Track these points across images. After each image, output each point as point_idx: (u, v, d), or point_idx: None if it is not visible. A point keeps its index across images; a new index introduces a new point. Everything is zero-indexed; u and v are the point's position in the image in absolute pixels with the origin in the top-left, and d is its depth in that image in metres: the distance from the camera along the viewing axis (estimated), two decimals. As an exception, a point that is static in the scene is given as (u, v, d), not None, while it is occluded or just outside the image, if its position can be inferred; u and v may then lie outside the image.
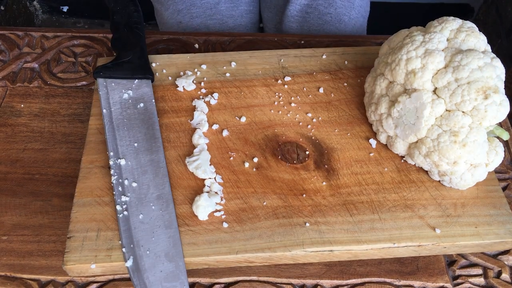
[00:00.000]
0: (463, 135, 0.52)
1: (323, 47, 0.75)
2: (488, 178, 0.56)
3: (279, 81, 0.66)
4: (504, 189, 0.61)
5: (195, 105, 0.63)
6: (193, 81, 0.65)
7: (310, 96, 0.64)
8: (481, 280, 0.54)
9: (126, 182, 0.54)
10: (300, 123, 0.61)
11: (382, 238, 0.52)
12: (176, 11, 0.91)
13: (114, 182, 0.54)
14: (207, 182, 0.56)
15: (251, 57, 0.69)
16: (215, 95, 0.64)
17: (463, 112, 0.52)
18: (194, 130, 0.61)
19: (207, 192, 0.55)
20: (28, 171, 0.61)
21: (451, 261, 0.56)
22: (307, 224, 0.53)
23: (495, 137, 0.55)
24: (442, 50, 0.55)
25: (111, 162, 0.56)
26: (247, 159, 0.58)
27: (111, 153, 0.56)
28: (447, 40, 0.56)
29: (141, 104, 0.61)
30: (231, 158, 0.58)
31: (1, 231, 0.57)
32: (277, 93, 0.65)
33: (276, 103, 0.64)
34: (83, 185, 0.55)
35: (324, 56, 0.69)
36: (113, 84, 0.63)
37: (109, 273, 0.52)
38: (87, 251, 0.50)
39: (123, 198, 0.53)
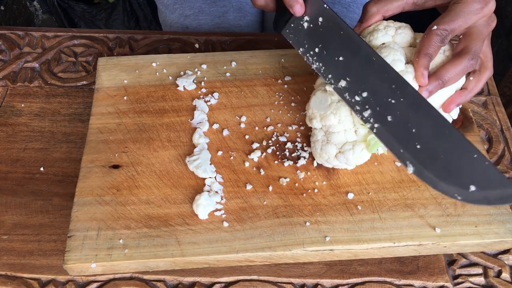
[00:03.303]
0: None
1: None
2: (488, 177, 0.56)
3: (280, 81, 0.66)
4: (504, 188, 0.61)
5: (195, 105, 0.63)
6: (193, 81, 0.65)
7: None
8: (481, 280, 0.55)
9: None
10: (301, 123, 0.61)
11: (382, 237, 0.52)
12: (183, 16, 0.91)
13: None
14: (207, 181, 0.56)
15: (251, 57, 0.69)
16: (216, 94, 0.64)
17: None
18: (194, 129, 0.61)
19: (208, 191, 0.55)
20: (29, 170, 0.61)
21: (451, 261, 0.56)
22: (308, 224, 0.53)
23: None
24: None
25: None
26: (248, 158, 0.58)
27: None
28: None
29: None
30: (232, 158, 0.58)
31: (2, 230, 0.57)
32: (277, 93, 0.65)
33: (276, 102, 0.64)
34: (83, 184, 0.55)
35: (324, 56, 0.69)
36: None
37: (109, 272, 0.52)
38: (88, 250, 0.50)
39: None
